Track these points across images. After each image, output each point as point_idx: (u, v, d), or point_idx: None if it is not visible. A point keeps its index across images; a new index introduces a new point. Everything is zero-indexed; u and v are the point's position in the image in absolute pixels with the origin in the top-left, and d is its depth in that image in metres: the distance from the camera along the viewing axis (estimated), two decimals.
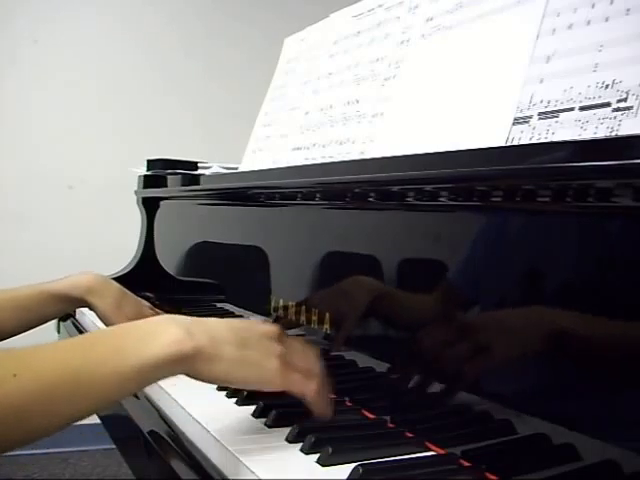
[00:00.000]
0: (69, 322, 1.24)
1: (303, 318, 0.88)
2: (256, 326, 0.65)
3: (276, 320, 0.97)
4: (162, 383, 0.82)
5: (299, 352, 0.66)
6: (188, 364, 0.58)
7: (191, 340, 0.58)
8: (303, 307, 0.88)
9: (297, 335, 0.91)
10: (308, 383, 0.63)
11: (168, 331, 0.58)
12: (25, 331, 0.99)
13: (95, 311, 1.00)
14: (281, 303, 0.95)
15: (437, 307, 0.68)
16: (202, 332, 0.59)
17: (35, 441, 0.54)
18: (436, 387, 0.65)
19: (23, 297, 0.98)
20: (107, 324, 1.00)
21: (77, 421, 0.56)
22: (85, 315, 1.20)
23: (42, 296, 0.99)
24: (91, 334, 0.60)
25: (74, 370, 0.55)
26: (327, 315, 0.82)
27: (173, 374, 0.59)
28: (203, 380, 0.61)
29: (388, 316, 0.75)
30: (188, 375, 0.61)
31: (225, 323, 0.64)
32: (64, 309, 1.04)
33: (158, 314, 1.05)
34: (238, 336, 0.62)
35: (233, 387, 0.67)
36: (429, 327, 0.69)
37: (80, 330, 1.19)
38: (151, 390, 0.86)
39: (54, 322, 1.22)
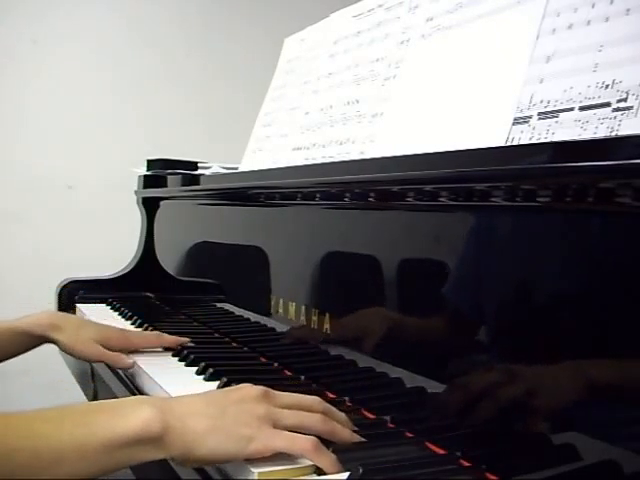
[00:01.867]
0: None
1: (303, 318, 0.88)
2: (235, 392, 0.63)
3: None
4: (162, 381, 0.83)
5: (292, 407, 0.62)
6: (159, 444, 0.57)
7: (160, 419, 0.57)
8: (303, 307, 0.88)
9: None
10: (298, 440, 0.58)
11: (139, 410, 0.57)
12: None
13: (58, 346, 1.00)
14: (281, 303, 0.95)
15: (436, 307, 0.68)
16: (172, 410, 0.58)
17: None
18: (436, 388, 0.65)
19: None
20: (71, 354, 1.00)
21: None
22: None
23: (6, 334, 0.99)
24: (63, 407, 0.58)
25: (35, 439, 0.54)
26: (327, 316, 0.83)
27: (144, 457, 0.57)
28: (184, 463, 0.59)
29: (389, 321, 0.75)
30: (174, 460, 0.59)
31: (201, 397, 0.63)
32: (27, 345, 1.03)
33: (126, 334, 1.04)
34: (213, 407, 0.60)
35: (220, 464, 0.61)
36: (428, 327, 0.69)
37: None
38: (151, 389, 0.86)
39: None
